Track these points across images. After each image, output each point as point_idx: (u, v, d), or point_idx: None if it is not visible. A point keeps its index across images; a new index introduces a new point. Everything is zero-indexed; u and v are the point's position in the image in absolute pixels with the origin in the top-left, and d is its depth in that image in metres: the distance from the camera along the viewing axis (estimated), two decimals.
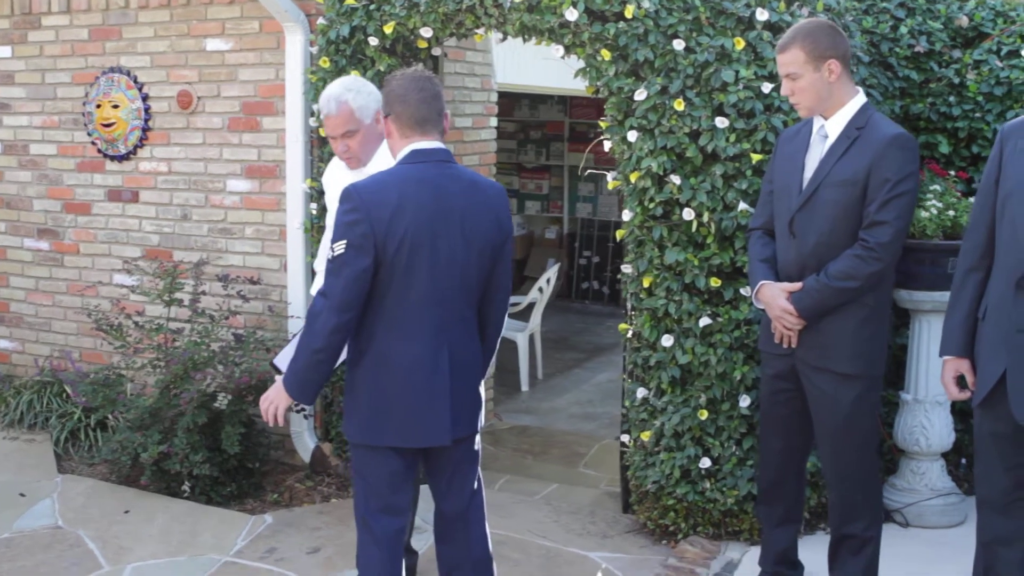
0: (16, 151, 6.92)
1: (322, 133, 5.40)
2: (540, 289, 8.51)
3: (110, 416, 6.02)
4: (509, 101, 11.15)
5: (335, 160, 4.57)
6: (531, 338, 8.34)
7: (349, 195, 3.45)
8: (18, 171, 6.93)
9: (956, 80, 5.33)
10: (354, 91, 4.24)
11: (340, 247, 3.41)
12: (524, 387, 8.16)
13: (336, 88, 4.26)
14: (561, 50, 4.78)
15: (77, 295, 6.74)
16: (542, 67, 7.54)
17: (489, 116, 7.05)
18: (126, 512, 5.27)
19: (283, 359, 4.12)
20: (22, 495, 5.49)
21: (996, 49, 5.35)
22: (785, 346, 3.99)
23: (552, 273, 8.77)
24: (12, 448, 6.19)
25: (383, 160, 4.17)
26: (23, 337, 7.05)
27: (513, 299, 8.46)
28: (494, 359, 4.02)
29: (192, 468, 5.34)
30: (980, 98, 5.29)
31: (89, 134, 6.56)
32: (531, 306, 8.45)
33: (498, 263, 3.66)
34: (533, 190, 12.00)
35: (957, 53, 5.37)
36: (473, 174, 3.72)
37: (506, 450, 6.69)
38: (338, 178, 4.42)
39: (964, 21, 5.42)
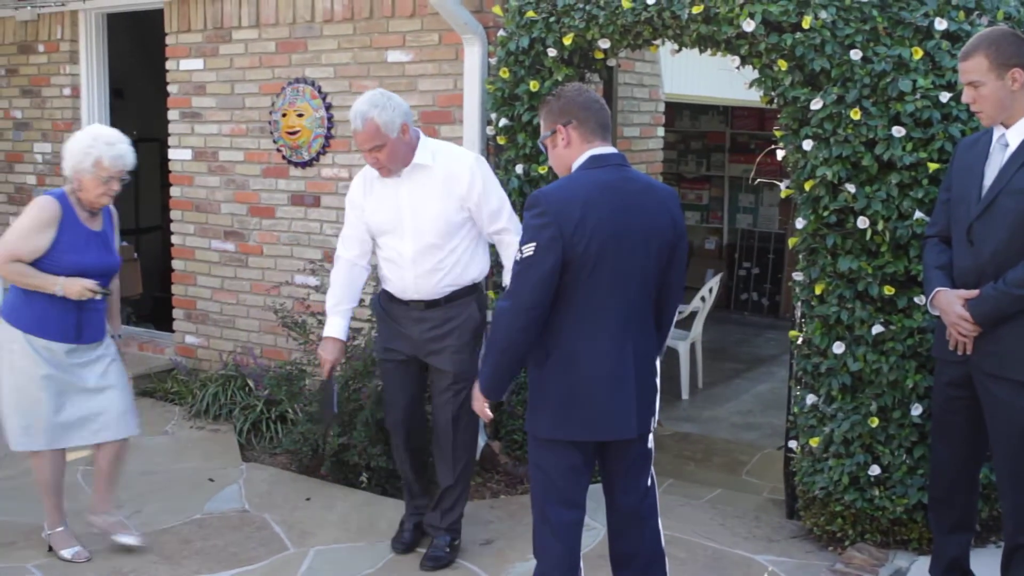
0: (206, 157, 7.33)
1: (500, 141, 5.61)
2: (702, 299, 8.56)
3: (290, 409, 6.32)
4: (670, 111, 11.14)
5: (359, 175, 4.86)
6: (692, 347, 8.41)
7: (538, 200, 3.60)
8: (207, 176, 7.33)
9: None
10: (379, 107, 4.47)
11: (529, 249, 3.55)
12: (684, 395, 8.23)
13: (363, 105, 4.49)
14: (737, 60, 4.86)
15: (260, 294, 7.09)
16: (704, 77, 7.63)
17: (656, 126, 7.18)
18: (307, 499, 5.54)
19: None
20: (211, 480, 5.81)
21: None
22: (960, 353, 3.99)
23: (714, 283, 8.81)
24: (199, 437, 6.55)
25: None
26: (208, 333, 7.45)
27: None
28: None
29: (370, 460, 5.57)
30: None
31: (275, 141, 6.91)
32: (692, 315, 8.51)
33: (672, 262, 3.79)
34: (693, 200, 12.03)
35: None
36: (647, 177, 3.87)
37: (668, 456, 6.77)
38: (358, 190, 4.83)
39: None
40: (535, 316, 3.57)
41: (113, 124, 8.22)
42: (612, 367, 3.65)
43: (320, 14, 6.61)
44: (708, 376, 8.75)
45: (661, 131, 7.29)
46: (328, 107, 6.63)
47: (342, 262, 4.89)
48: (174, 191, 7.56)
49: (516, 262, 3.62)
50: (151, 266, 9.37)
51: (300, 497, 5.57)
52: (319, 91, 6.66)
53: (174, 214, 7.58)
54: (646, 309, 3.76)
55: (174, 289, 7.65)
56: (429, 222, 4.60)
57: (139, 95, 9.49)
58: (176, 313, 7.66)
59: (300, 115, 6.73)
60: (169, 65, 7.44)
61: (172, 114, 7.49)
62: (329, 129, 6.64)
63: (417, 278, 4.66)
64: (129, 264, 8.70)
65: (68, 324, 4.69)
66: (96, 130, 4.78)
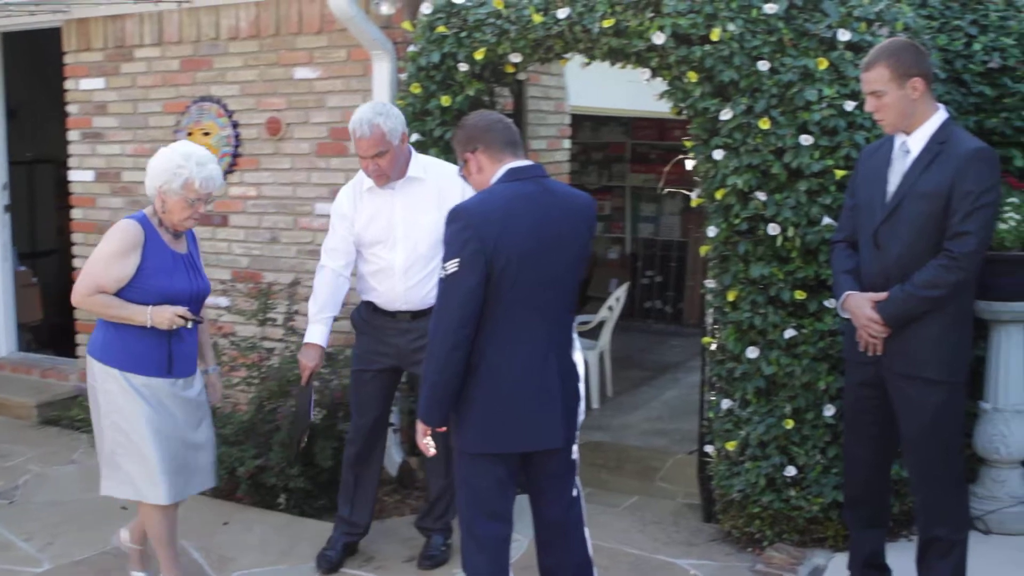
0: (109, 178, 7.20)
1: None
2: (609, 308, 8.66)
3: None
4: (572, 123, 11.31)
5: (347, 187, 4.94)
6: (601, 356, 8.49)
7: (459, 214, 3.61)
8: (110, 198, 7.20)
9: None
10: (384, 115, 4.61)
11: (453, 265, 3.56)
12: (595, 404, 8.30)
13: (367, 112, 4.61)
14: (648, 73, 4.94)
15: None
16: (607, 89, 7.75)
17: (563, 138, 7.26)
18: (225, 524, 5.47)
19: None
20: (124, 508, 5.67)
21: None
22: (870, 354, 4.11)
23: (620, 293, 8.92)
24: None
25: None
26: None
27: (583, 318, 8.65)
28: None
29: (287, 482, 5.53)
30: None
31: None
32: (600, 325, 8.60)
33: (582, 272, 3.88)
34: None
35: None
36: (565, 186, 3.94)
37: (583, 464, 6.63)
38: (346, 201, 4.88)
39: None
40: (465, 334, 3.58)
41: (8, 145, 8.07)
42: (537, 378, 3.69)
43: (225, 31, 6.55)
44: (616, 385, 8.84)
45: (567, 143, 7.37)
46: (235, 125, 6.57)
47: (327, 271, 4.92)
48: (75, 213, 7.40)
49: (441, 280, 3.62)
50: (49, 291, 9.13)
51: (218, 521, 5.49)
52: (225, 109, 6.60)
53: (76, 237, 7.41)
54: (566, 318, 3.82)
55: (76, 313, 7.45)
56: (423, 233, 4.70)
57: (33, 115, 9.26)
58: (79, 338, 7.48)
59: (206, 134, 6.65)
60: (68, 84, 7.30)
61: (72, 135, 7.34)
62: (236, 147, 6.58)
63: (408, 289, 4.75)
64: (28, 289, 8.51)
65: (161, 357, 4.34)
66: (186, 148, 4.40)
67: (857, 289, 4.12)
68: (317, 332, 4.88)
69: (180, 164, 4.30)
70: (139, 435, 4.33)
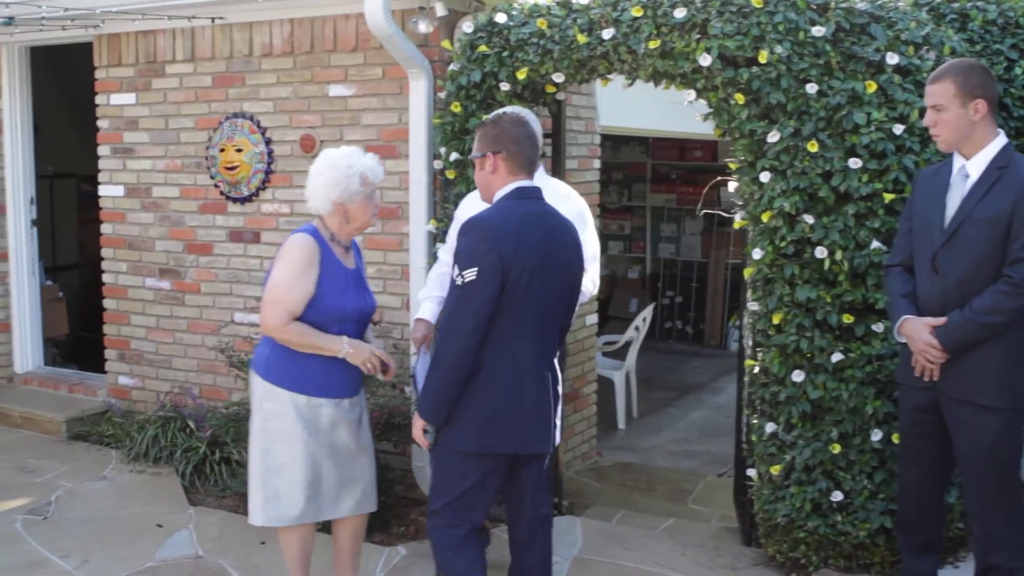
0: (139, 194, 7.17)
1: (449, 175, 5.59)
2: (636, 328, 8.62)
3: (235, 451, 6.20)
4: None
5: (473, 193, 4.88)
6: (627, 377, 8.46)
7: (478, 226, 3.77)
8: (141, 213, 7.17)
9: None
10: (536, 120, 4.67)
11: (471, 274, 3.69)
12: (621, 424, 8.28)
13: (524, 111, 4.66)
14: (692, 94, 4.92)
15: (199, 333, 6.95)
16: (632, 110, 7.73)
17: (593, 158, 7.23)
18: (262, 543, 5.42)
19: (420, 370, 4.41)
20: (159, 526, 5.66)
21: None
22: (927, 379, 4.08)
23: (647, 313, 8.88)
24: (140, 481, 6.37)
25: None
26: (143, 374, 7.27)
27: (610, 338, 8.62)
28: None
29: None
30: None
31: (212, 177, 6.79)
32: (626, 345, 8.57)
33: (573, 295, 4.06)
34: (615, 231, 12.15)
35: None
36: (555, 209, 4.05)
37: (613, 486, 6.80)
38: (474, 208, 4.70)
39: None
40: (476, 341, 3.74)
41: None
42: (532, 386, 3.88)
43: (258, 48, 6.54)
44: (641, 405, 8.80)
45: (597, 163, 7.35)
46: (268, 142, 6.54)
47: (441, 264, 5.09)
48: (105, 228, 7.37)
49: (457, 287, 3.75)
50: (71, 305, 9.12)
51: (255, 541, 5.44)
52: (258, 126, 6.57)
53: (105, 252, 7.38)
54: (555, 338, 4.03)
55: (106, 329, 7.44)
56: None
57: (53, 129, 9.26)
58: (108, 353, 7.45)
59: (239, 150, 6.63)
60: (99, 99, 7.28)
61: (102, 149, 7.32)
62: (269, 164, 6.55)
63: None
64: (55, 303, 8.50)
65: (331, 377, 4.21)
66: (335, 153, 4.32)
67: (914, 313, 4.10)
68: (426, 309, 4.97)
69: (348, 164, 4.26)
70: (287, 456, 4.22)
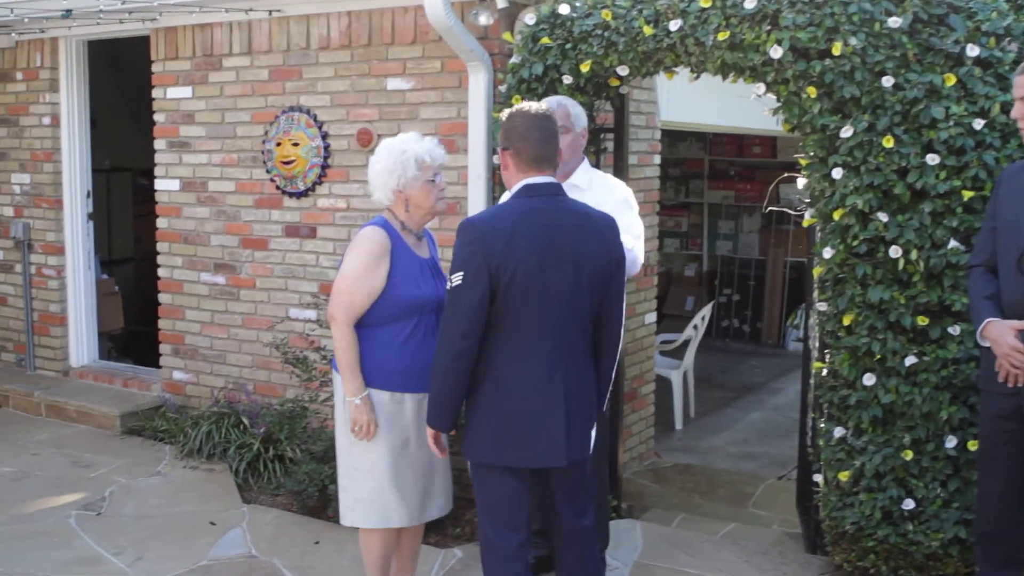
0: (194, 188, 7.13)
1: None
2: (695, 327, 8.47)
3: (290, 449, 6.13)
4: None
5: None
6: (684, 376, 8.31)
7: (467, 228, 3.67)
8: (196, 207, 7.13)
9: None
10: (571, 103, 4.70)
11: (458, 278, 3.62)
12: (678, 425, 8.16)
13: (554, 99, 4.68)
14: (762, 88, 4.77)
15: (253, 328, 6.90)
16: (692, 104, 7.59)
17: (653, 153, 7.11)
18: (316, 543, 5.35)
19: None
20: (212, 523, 5.60)
21: None
22: (1011, 385, 3.91)
23: (706, 311, 8.73)
24: (194, 477, 6.32)
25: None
26: (198, 369, 7.23)
27: (667, 336, 8.48)
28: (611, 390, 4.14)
29: None
30: None
31: (268, 171, 6.73)
32: (684, 344, 8.42)
33: (608, 291, 3.83)
34: (672, 227, 11.99)
35: None
36: (584, 205, 3.91)
37: (673, 488, 6.67)
38: None
39: None
40: (468, 345, 3.64)
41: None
42: (541, 396, 3.72)
43: (316, 41, 6.46)
44: (699, 405, 8.66)
45: (657, 159, 7.22)
46: (324, 136, 6.47)
47: None
48: (160, 223, 7.34)
49: (448, 291, 3.69)
50: (126, 299, 9.12)
51: (309, 540, 5.37)
52: (315, 120, 6.50)
53: (161, 246, 7.35)
54: (577, 337, 3.81)
55: (161, 324, 7.42)
56: None
57: (109, 123, 9.27)
58: (163, 348, 7.42)
59: (295, 144, 6.56)
60: (155, 93, 7.24)
61: (159, 143, 7.28)
62: (326, 159, 6.48)
63: None
64: (111, 297, 8.50)
65: (413, 373, 4.11)
66: (391, 140, 4.23)
67: (998, 316, 3.94)
68: None
69: (403, 150, 4.17)
70: (371, 454, 4.15)
